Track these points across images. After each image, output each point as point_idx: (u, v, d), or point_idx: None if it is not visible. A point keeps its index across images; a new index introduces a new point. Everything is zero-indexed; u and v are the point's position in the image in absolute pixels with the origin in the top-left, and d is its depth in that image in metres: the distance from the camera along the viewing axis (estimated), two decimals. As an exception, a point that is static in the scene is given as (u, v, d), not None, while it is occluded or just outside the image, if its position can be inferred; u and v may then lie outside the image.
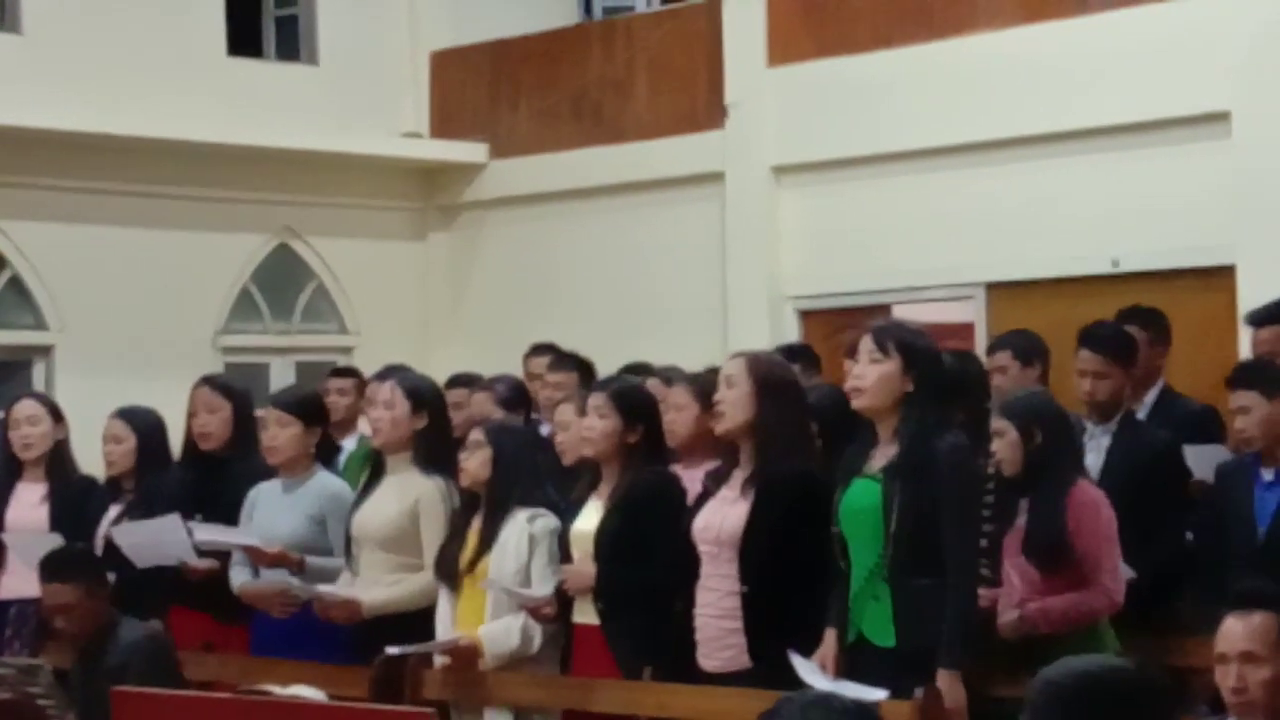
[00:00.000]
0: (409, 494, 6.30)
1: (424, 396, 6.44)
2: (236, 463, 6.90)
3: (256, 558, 6.56)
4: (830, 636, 5.26)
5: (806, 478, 5.40)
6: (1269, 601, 4.04)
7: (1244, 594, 4.11)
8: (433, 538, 6.21)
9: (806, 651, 5.23)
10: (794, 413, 5.52)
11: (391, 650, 6.03)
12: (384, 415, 6.39)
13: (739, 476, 5.50)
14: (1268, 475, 5.98)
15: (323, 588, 6.35)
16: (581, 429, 5.97)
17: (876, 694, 4.95)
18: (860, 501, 5.17)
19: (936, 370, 5.26)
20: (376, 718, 4.64)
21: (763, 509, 5.36)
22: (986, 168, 10.22)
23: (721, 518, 5.45)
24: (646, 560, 5.67)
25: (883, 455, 5.19)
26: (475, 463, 6.03)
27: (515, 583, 5.89)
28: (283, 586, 6.44)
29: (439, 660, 6.09)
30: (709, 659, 5.47)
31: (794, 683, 5.06)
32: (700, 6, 11.84)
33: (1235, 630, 4.02)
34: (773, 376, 5.53)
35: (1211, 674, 4.13)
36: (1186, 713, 4.92)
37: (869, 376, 5.19)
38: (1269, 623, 4.00)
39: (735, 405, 5.47)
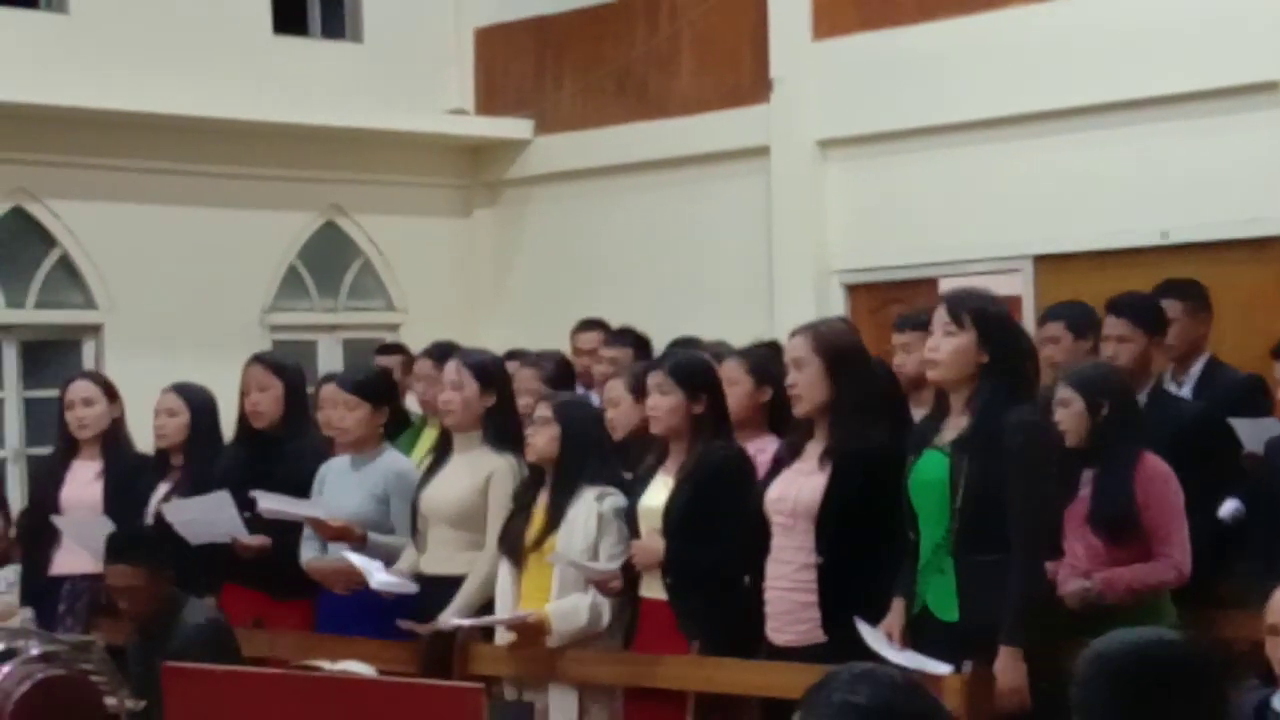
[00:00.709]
0: (481, 470, 6.29)
1: (492, 374, 6.44)
2: (289, 441, 6.93)
3: (320, 529, 6.59)
4: (898, 606, 5.24)
5: (884, 450, 5.34)
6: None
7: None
8: (499, 513, 6.20)
9: (876, 623, 5.21)
10: (866, 383, 5.47)
11: (458, 622, 6.04)
12: (454, 396, 6.38)
13: (814, 448, 5.44)
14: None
15: (383, 578, 6.34)
16: (647, 408, 5.93)
17: (941, 668, 4.94)
18: (929, 474, 5.12)
19: (1012, 340, 5.19)
20: (425, 693, 4.66)
21: (840, 481, 5.30)
22: (1032, 140, 10.17)
23: (798, 489, 5.40)
24: (715, 535, 5.64)
25: (953, 427, 5.13)
26: (543, 439, 6.00)
27: (583, 560, 5.88)
28: (347, 566, 6.45)
29: (502, 637, 6.09)
30: (781, 633, 5.44)
31: (868, 657, 5.03)
32: (745, -19, 11.81)
33: (1286, 603, 4.01)
34: (841, 349, 5.45)
35: (1262, 647, 4.11)
36: (1236, 685, 4.91)
37: (943, 349, 5.11)
38: (1320, 596, 3.98)
39: (810, 387, 5.40)
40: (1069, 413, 5.49)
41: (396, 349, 9.03)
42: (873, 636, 5.13)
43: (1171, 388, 6.87)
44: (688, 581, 5.70)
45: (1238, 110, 9.38)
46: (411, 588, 6.35)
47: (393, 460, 6.76)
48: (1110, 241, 9.79)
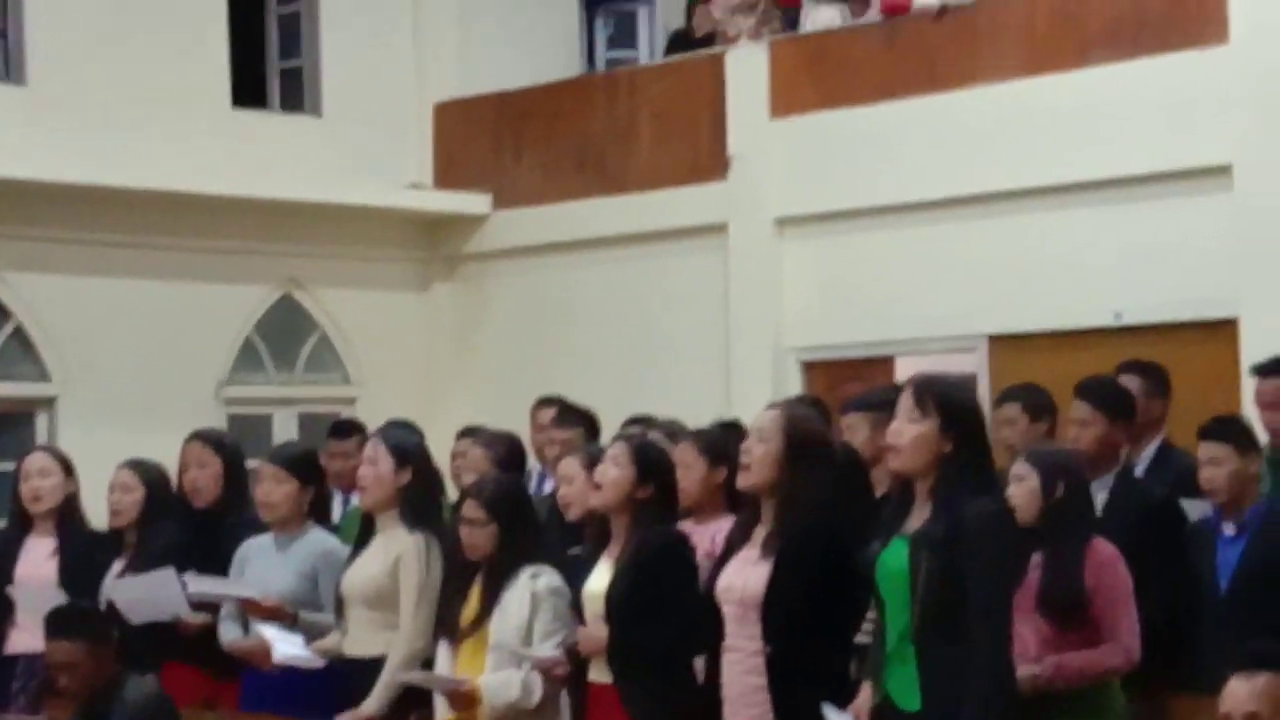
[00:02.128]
0: (393, 551, 6.29)
1: (408, 452, 6.43)
2: (229, 518, 6.89)
3: (252, 610, 6.54)
4: (866, 689, 5.20)
5: (828, 537, 5.32)
6: (1274, 662, 4.02)
7: (1249, 654, 4.09)
8: (410, 594, 6.19)
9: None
10: (822, 474, 5.44)
11: (400, 677, 6.05)
12: (369, 473, 6.39)
13: (760, 534, 5.44)
14: (1229, 530, 6.01)
15: (287, 650, 6.33)
16: (595, 476, 5.91)
17: None
18: (896, 563, 5.08)
19: (977, 428, 5.16)
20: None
21: (785, 569, 5.29)
22: (989, 219, 10.23)
23: (744, 578, 5.38)
24: (658, 620, 5.63)
25: (918, 516, 5.10)
26: (482, 539, 6.00)
27: (518, 640, 5.87)
28: (266, 644, 6.41)
29: (440, 713, 6.05)
30: (735, 718, 5.42)
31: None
32: (703, 58, 11.89)
33: (1239, 691, 4.01)
34: (806, 436, 5.43)
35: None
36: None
37: (906, 435, 5.03)
38: (1273, 683, 3.98)
39: (763, 462, 5.38)
40: (1023, 488, 5.50)
41: (350, 429, 8.95)
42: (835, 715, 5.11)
43: (1124, 469, 6.89)
44: (633, 667, 5.68)
45: (1191, 192, 9.46)
46: (316, 663, 6.33)
47: (319, 538, 6.74)
48: (1064, 322, 9.84)
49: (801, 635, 5.27)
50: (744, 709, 5.37)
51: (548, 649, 5.87)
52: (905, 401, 5.06)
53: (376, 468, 6.37)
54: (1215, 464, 6.02)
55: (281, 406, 12.21)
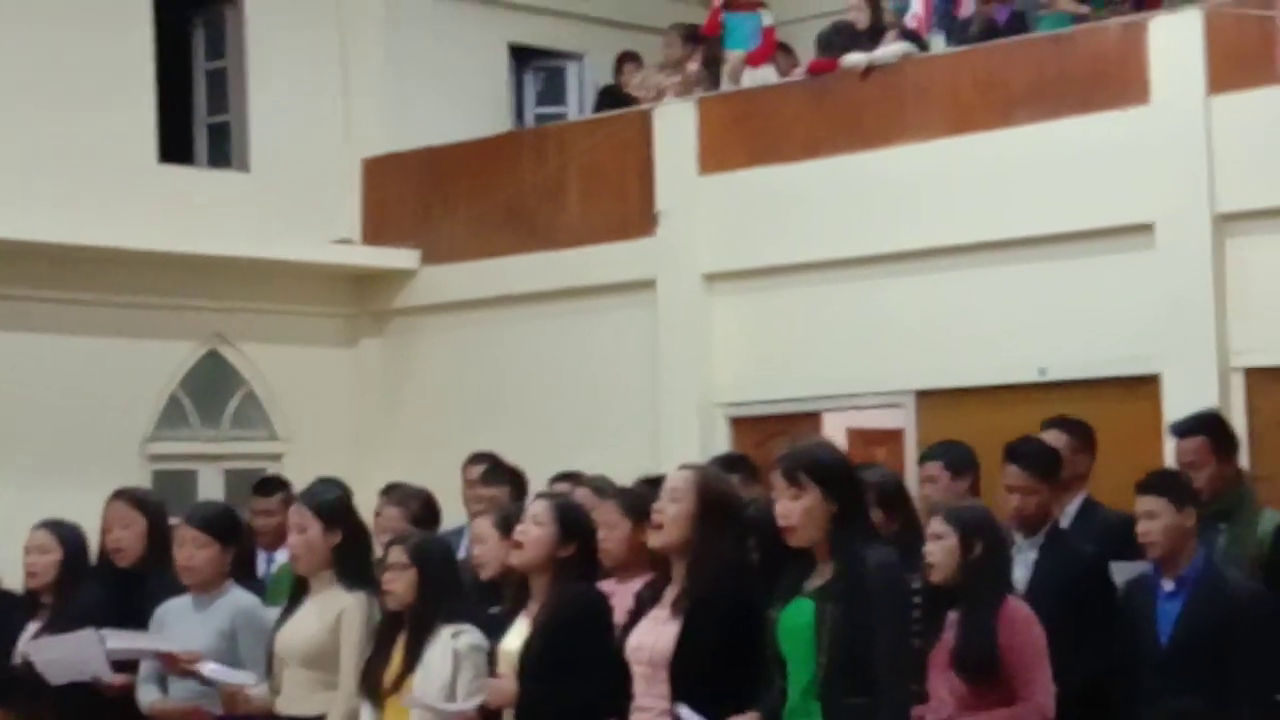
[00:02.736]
0: (331, 610, 6.24)
1: (335, 513, 6.39)
2: (153, 577, 6.81)
3: (170, 664, 6.47)
4: (751, 715, 5.20)
5: (737, 598, 5.34)
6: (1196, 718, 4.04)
7: (1176, 713, 4.10)
8: (351, 653, 6.16)
9: None
10: (732, 536, 5.47)
11: None
12: (299, 540, 6.34)
13: (670, 595, 5.46)
14: (1168, 586, 6.03)
15: (215, 667, 6.28)
16: (516, 534, 5.90)
17: None
18: (796, 620, 5.13)
19: (853, 484, 5.22)
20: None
21: (693, 630, 5.31)
22: (916, 276, 10.30)
23: (654, 638, 5.40)
24: (572, 679, 5.62)
25: (820, 575, 5.15)
26: (401, 585, 5.98)
27: (440, 699, 5.84)
28: (193, 706, 6.35)
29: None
30: None
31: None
32: (632, 115, 11.94)
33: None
34: (718, 498, 5.46)
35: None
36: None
37: (794, 514, 5.11)
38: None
39: (675, 522, 5.41)
40: (941, 546, 5.51)
41: (275, 486, 8.88)
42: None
43: (1050, 524, 6.93)
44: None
45: (1115, 250, 9.57)
46: (248, 679, 6.28)
47: (237, 597, 6.67)
48: (990, 377, 9.91)
49: (709, 695, 5.27)
50: (653, 768, 5.36)
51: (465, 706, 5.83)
52: (778, 481, 5.11)
53: (306, 534, 6.32)
54: (1151, 517, 6.04)
55: (207, 463, 12.13)
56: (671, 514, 5.41)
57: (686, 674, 5.28)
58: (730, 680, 5.28)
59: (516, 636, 5.79)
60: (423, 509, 7.59)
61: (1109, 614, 6.23)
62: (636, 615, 5.55)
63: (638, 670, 5.41)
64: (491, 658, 5.85)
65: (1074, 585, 6.04)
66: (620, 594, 5.89)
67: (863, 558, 5.00)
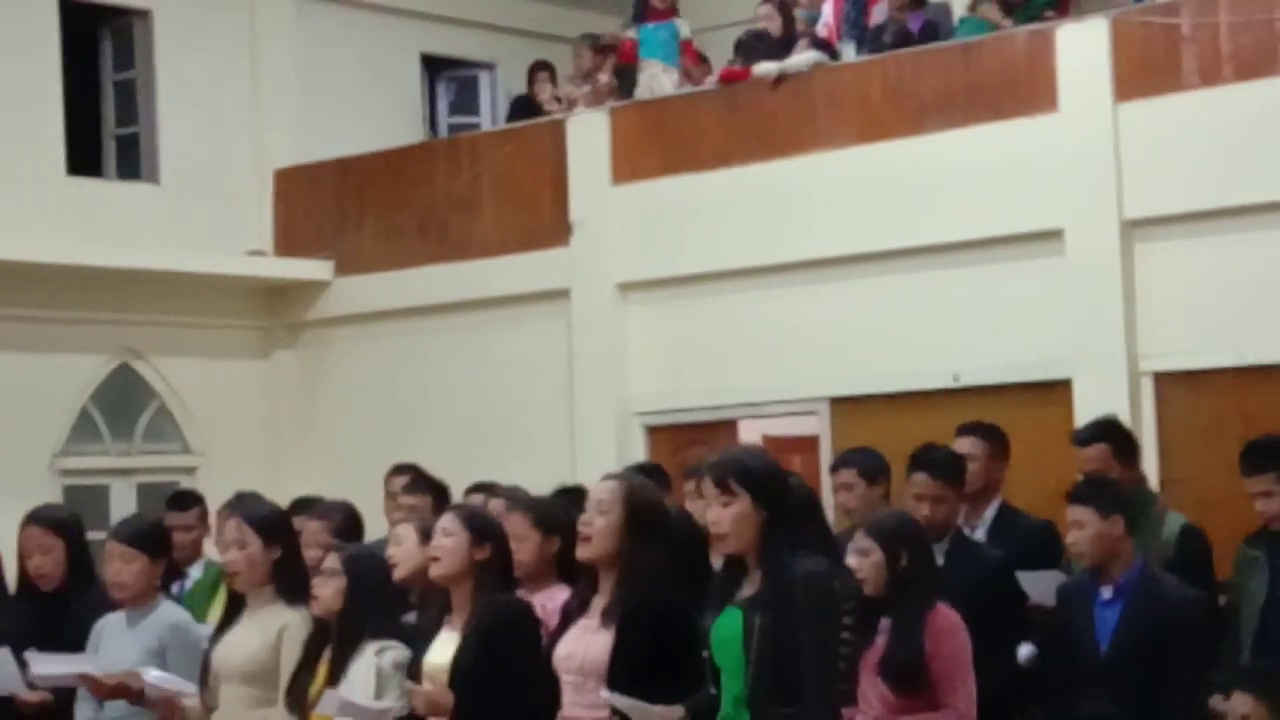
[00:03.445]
0: (273, 626, 6.17)
1: (273, 527, 6.34)
2: (75, 598, 6.74)
3: (96, 689, 6.40)
4: (677, 709, 5.21)
5: (668, 607, 5.34)
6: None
7: (1087, 718, 4.14)
8: (292, 668, 6.10)
9: None
10: (661, 545, 5.47)
11: None
12: (238, 556, 6.27)
13: (598, 604, 5.45)
14: (1106, 594, 6.06)
15: (157, 673, 6.22)
16: (431, 550, 5.88)
17: None
18: (728, 630, 5.12)
19: (783, 491, 5.22)
20: None
21: (626, 638, 5.30)
22: (828, 284, 10.35)
23: (585, 647, 5.38)
24: (503, 691, 5.60)
25: (750, 584, 5.14)
26: (329, 591, 5.93)
27: (358, 699, 5.78)
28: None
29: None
30: None
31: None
32: (545, 125, 11.94)
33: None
34: (645, 508, 5.45)
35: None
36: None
37: (725, 520, 5.09)
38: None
39: (603, 534, 5.38)
40: (868, 563, 5.54)
41: (188, 500, 8.81)
42: (630, 709, 5.13)
43: (965, 531, 6.96)
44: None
45: (1025, 257, 9.65)
46: (189, 688, 6.23)
47: (168, 612, 6.60)
48: (904, 384, 9.97)
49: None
50: (584, 778, 5.36)
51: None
52: (709, 489, 5.12)
53: (246, 550, 6.26)
54: (1078, 527, 6.06)
55: (119, 477, 12.01)
56: (599, 526, 5.39)
57: (621, 682, 5.28)
58: (663, 688, 5.28)
59: (443, 650, 5.75)
60: (345, 520, 7.56)
61: (1016, 619, 6.28)
62: (564, 625, 5.54)
63: (567, 680, 5.40)
64: (415, 669, 5.81)
65: (981, 591, 6.07)
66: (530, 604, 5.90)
67: (790, 567, 5.01)
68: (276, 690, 6.12)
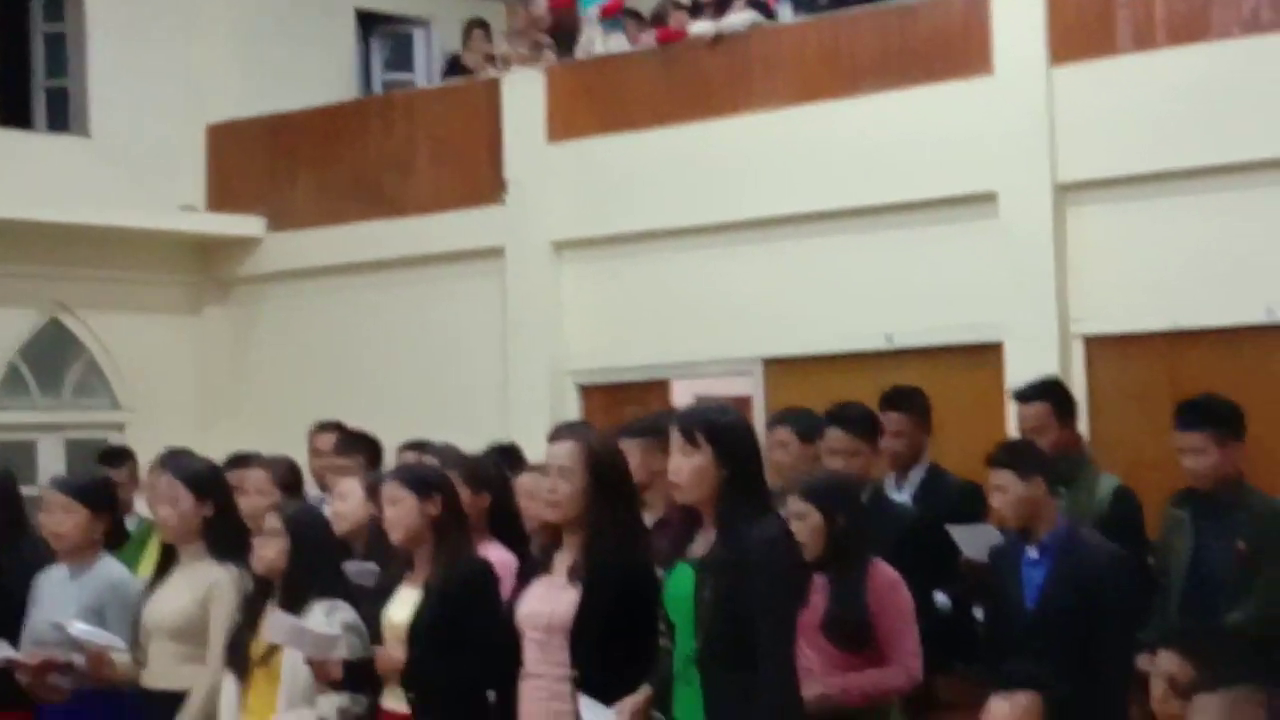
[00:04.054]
0: (202, 583, 6.17)
1: (206, 483, 6.32)
2: (4, 553, 6.69)
3: (21, 670, 6.36)
4: (644, 690, 5.20)
5: (635, 565, 5.32)
6: (1032, 681, 4.12)
7: (1008, 674, 4.19)
8: (222, 625, 6.08)
9: None
10: (626, 503, 5.45)
11: None
12: (170, 512, 6.25)
13: (563, 561, 5.42)
14: (1033, 553, 6.12)
15: (84, 626, 6.19)
16: (386, 523, 5.85)
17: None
18: (681, 588, 5.11)
19: (750, 449, 5.19)
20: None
21: (594, 597, 5.28)
22: (763, 245, 10.37)
23: (550, 605, 5.35)
24: (462, 649, 5.58)
25: (704, 541, 5.12)
26: (272, 551, 5.89)
27: (306, 676, 5.76)
28: (48, 657, 6.26)
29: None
30: None
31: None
32: (480, 83, 11.89)
33: (1000, 710, 4.10)
34: (608, 467, 5.41)
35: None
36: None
37: (684, 471, 5.05)
38: (1032, 703, 4.08)
39: (571, 499, 5.34)
40: (806, 526, 5.55)
41: (120, 456, 8.76)
42: (591, 713, 5.12)
43: (894, 494, 7.02)
44: (432, 695, 5.63)
45: (958, 219, 9.69)
46: (118, 643, 6.21)
47: (109, 570, 6.57)
48: (837, 345, 10.00)
49: (607, 661, 5.27)
50: (548, 737, 5.36)
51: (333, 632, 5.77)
52: (675, 437, 5.09)
53: (177, 506, 6.24)
54: (1000, 491, 6.11)
55: (47, 433, 11.92)
56: (565, 492, 5.35)
57: (587, 641, 5.27)
58: (630, 646, 5.27)
59: (402, 607, 5.73)
60: (287, 474, 7.57)
61: (937, 575, 6.33)
62: (524, 582, 5.52)
63: (531, 637, 5.37)
64: (375, 627, 5.78)
65: (899, 548, 6.10)
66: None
67: (747, 531, 4.96)
68: (205, 647, 6.10)
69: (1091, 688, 5.54)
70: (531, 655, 5.38)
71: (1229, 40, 8.93)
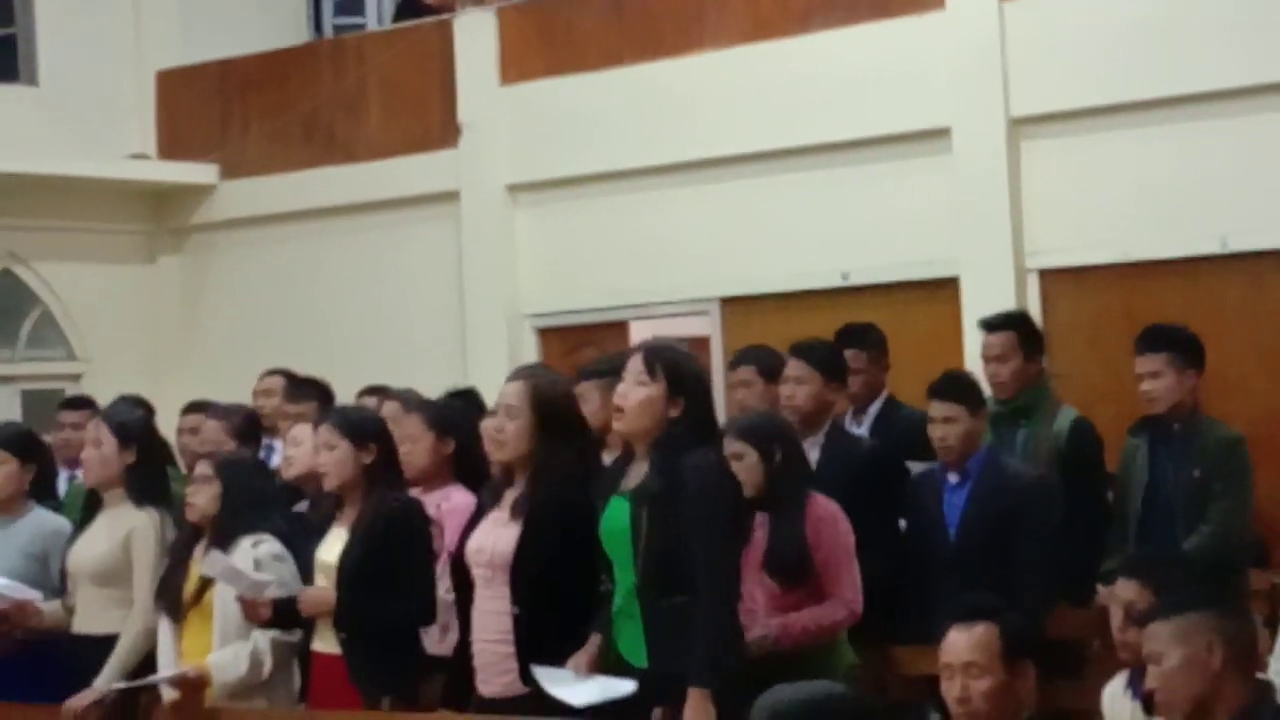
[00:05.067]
0: (121, 527, 6.24)
1: (131, 431, 6.39)
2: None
3: None
4: (594, 640, 5.25)
5: (578, 500, 5.35)
6: (989, 613, 4.16)
7: (966, 606, 4.21)
8: (144, 571, 6.15)
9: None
10: (573, 441, 5.48)
11: (117, 685, 5.98)
12: (93, 454, 6.34)
13: (510, 496, 5.46)
14: (954, 479, 6.20)
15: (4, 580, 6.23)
16: (319, 465, 5.88)
17: (625, 685, 4.99)
18: (617, 522, 5.15)
19: (704, 396, 5.24)
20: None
21: (534, 531, 5.32)
22: (717, 184, 10.36)
23: (494, 540, 5.40)
24: (391, 589, 5.62)
25: (636, 474, 5.17)
26: (203, 498, 5.97)
27: (238, 614, 5.80)
28: None
29: (167, 694, 5.98)
30: (487, 684, 5.41)
31: (569, 707, 5.05)
32: (432, 26, 11.81)
33: (958, 642, 4.13)
34: (555, 405, 5.46)
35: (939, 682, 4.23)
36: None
37: (632, 397, 5.12)
38: (989, 633, 4.11)
39: (516, 437, 5.40)
40: (744, 465, 5.57)
41: (81, 403, 8.74)
42: (550, 680, 5.15)
43: (851, 427, 7.06)
44: (362, 635, 5.66)
45: (912, 155, 9.68)
46: (34, 594, 6.26)
47: (44, 519, 6.62)
48: (794, 284, 10.01)
49: (548, 597, 5.30)
50: (495, 676, 5.39)
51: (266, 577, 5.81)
52: (634, 365, 5.14)
53: (100, 449, 6.33)
54: (949, 422, 6.17)
55: (2, 384, 11.86)
56: (511, 430, 5.40)
57: (527, 575, 5.30)
58: (571, 582, 5.31)
59: (332, 547, 5.77)
60: (244, 422, 7.58)
61: (895, 507, 6.37)
62: (476, 518, 5.55)
63: (477, 573, 5.43)
64: (308, 567, 5.83)
65: (858, 480, 6.15)
66: (426, 504, 5.91)
67: (678, 460, 5.02)
68: (129, 591, 6.16)
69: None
70: (480, 592, 5.42)
71: (1180, -29, 8.93)
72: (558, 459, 5.38)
